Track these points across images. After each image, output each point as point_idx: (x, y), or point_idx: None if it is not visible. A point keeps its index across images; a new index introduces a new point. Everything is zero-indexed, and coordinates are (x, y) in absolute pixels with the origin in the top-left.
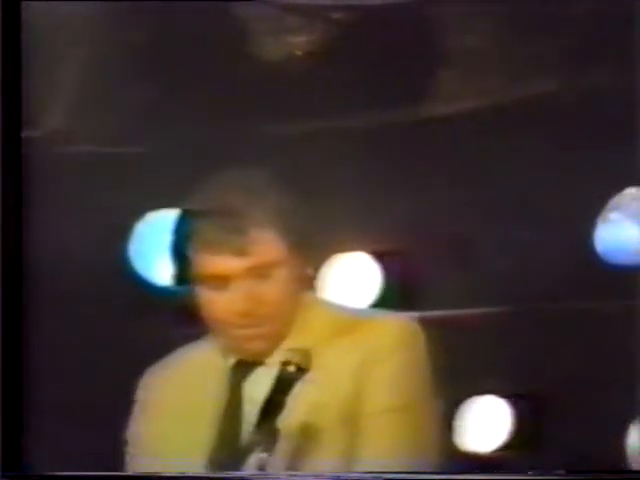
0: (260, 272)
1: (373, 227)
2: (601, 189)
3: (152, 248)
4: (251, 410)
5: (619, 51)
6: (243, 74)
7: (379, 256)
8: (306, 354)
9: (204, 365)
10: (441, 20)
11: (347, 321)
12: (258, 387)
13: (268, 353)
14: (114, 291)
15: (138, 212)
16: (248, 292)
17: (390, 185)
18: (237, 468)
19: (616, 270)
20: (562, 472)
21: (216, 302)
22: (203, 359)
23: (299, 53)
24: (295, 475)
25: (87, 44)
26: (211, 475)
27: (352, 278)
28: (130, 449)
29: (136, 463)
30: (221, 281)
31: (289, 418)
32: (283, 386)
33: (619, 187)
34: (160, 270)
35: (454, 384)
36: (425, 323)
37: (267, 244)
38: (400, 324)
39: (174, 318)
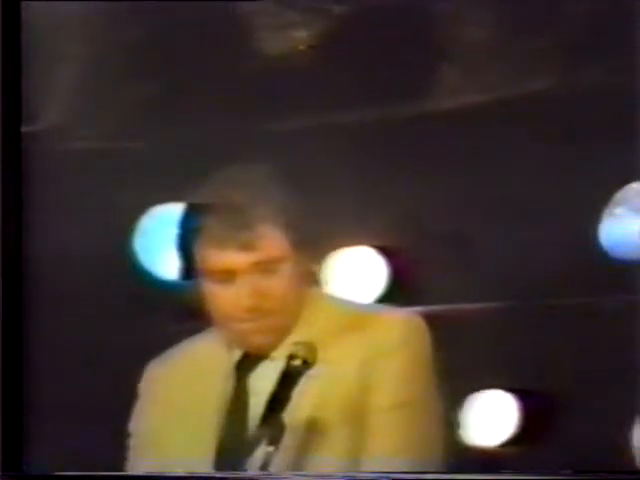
0: (266, 267)
1: (378, 222)
2: (604, 184)
3: (157, 243)
4: (256, 403)
5: (621, 47)
6: (245, 69)
7: (384, 251)
8: (312, 348)
9: (209, 358)
10: (443, 14)
11: (352, 316)
12: (263, 381)
13: (273, 347)
14: (115, 289)
15: (142, 207)
16: (254, 287)
17: (394, 180)
18: (243, 462)
19: (621, 265)
20: (568, 472)
21: (222, 296)
22: (208, 352)
23: (301, 48)
24: (301, 475)
25: (88, 40)
26: (212, 475)
27: (357, 273)
28: (133, 442)
29: (139, 456)
30: (227, 276)
31: (295, 412)
32: (289, 380)
33: (622, 182)
34: (166, 264)
35: (460, 379)
36: (430, 318)
37: (272, 239)
38: (405, 319)
39: (177, 314)
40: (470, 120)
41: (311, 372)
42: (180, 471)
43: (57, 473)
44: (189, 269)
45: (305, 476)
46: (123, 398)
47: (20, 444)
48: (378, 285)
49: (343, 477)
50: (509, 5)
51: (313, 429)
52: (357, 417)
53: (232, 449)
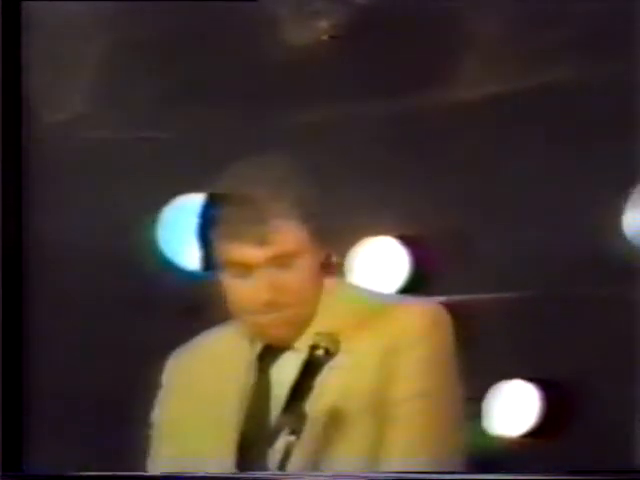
0: (282, 261)
1: (400, 212)
2: (626, 173)
3: (179, 233)
4: (278, 394)
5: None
6: (266, 60)
7: (406, 241)
8: (334, 338)
9: (230, 349)
10: (462, 6)
11: (374, 306)
12: (285, 371)
13: (292, 339)
14: (120, 286)
15: (163, 198)
16: (270, 281)
17: (415, 170)
18: (264, 452)
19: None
20: (571, 471)
21: (239, 290)
22: (229, 343)
23: (323, 38)
24: (318, 475)
25: (106, 31)
26: (212, 475)
27: (379, 263)
28: (155, 432)
29: (162, 445)
30: (244, 269)
31: (316, 402)
32: (311, 370)
33: (635, 177)
34: (188, 256)
35: (482, 369)
36: (452, 308)
37: (288, 233)
38: (427, 309)
39: (183, 312)
40: (492, 112)
41: (333, 362)
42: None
43: (57, 473)
44: (209, 261)
45: (321, 476)
46: (124, 399)
47: (20, 444)
48: (400, 275)
49: (360, 477)
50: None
51: (334, 419)
52: (379, 407)
53: (254, 439)
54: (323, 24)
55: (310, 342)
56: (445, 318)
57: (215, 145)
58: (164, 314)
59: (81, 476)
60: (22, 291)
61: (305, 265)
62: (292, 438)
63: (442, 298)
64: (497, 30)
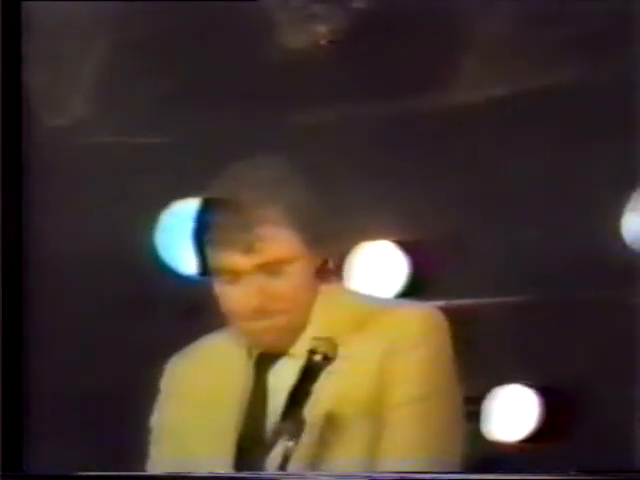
0: (271, 268)
1: (397, 216)
2: (626, 176)
3: (177, 238)
4: (276, 399)
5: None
6: (265, 63)
7: (404, 245)
8: (332, 343)
9: (228, 354)
10: (461, 8)
11: (370, 310)
12: (282, 377)
13: (285, 346)
14: (119, 287)
15: (160, 203)
16: (259, 288)
17: (414, 174)
18: (262, 457)
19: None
20: (574, 472)
21: (230, 296)
22: (227, 348)
23: (321, 42)
24: (320, 475)
25: (106, 34)
26: (212, 475)
27: (377, 267)
28: (154, 436)
29: (159, 451)
30: (233, 276)
31: (314, 408)
32: (309, 375)
33: (636, 178)
34: (185, 261)
35: (480, 373)
36: (451, 313)
37: (278, 240)
38: (424, 313)
39: (183, 314)
40: (491, 113)
41: (330, 367)
42: (192, 470)
43: (57, 473)
44: (205, 266)
45: (323, 476)
46: (124, 399)
47: (20, 444)
48: (398, 280)
49: (361, 477)
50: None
51: (332, 424)
52: (376, 411)
53: (252, 444)
54: (321, 28)
55: (308, 347)
56: (442, 322)
57: (214, 148)
58: (164, 315)
59: (81, 476)
60: (22, 291)
61: (297, 271)
62: (291, 444)
63: (440, 302)
64: (496, 31)
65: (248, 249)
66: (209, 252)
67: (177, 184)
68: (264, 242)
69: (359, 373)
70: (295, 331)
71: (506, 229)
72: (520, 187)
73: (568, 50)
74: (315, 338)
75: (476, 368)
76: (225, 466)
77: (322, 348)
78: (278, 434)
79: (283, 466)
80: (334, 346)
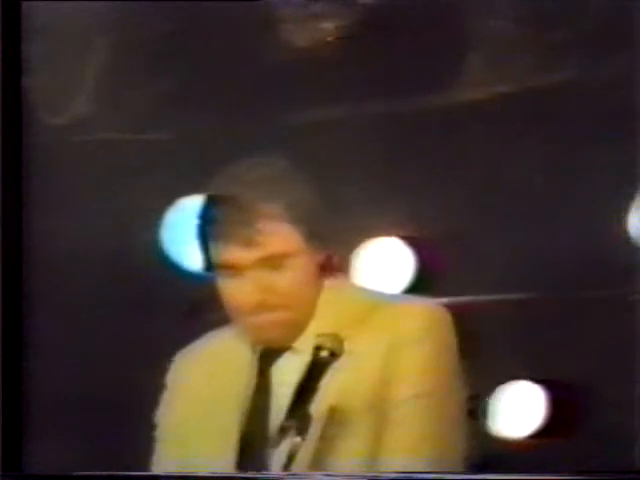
0: (272, 263)
1: (405, 213)
2: (630, 175)
3: (183, 235)
4: (280, 395)
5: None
6: (270, 60)
7: (411, 242)
8: (338, 339)
9: (232, 350)
10: (467, 6)
11: (375, 306)
12: (287, 373)
13: (288, 341)
14: (120, 286)
15: (166, 199)
16: (260, 282)
17: (421, 170)
18: (268, 453)
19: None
20: (574, 472)
21: (232, 290)
22: (231, 344)
23: (328, 39)
24: (324, 475)
25: (108, 32)
26: (213, 475)
27: (384, 264)
28: (159, 433)
29: (165, 447)
30: (234, 270)
31: (318, 403)
32: (316, 371)
33: (637, 178)
34: (191, 257)
35: (487, 370)
36: (457, 309)
37: (278, 236)
38: (428, 310)
39: (187, 313)
40: (495, 111)
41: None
42: (192, 470)
43: (57, 473)
44: (209, 262)
45: (325, 476)
46: (124, 398)
47: (20, 444)
48: (405, 276)
49: (364, 477)
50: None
51: (336, 419)
52: (380, 407)
53: (256, 440)
54: (327, 25)
55: (313, 343)
56: (446, 318)
57: (217, 146)
58: (166, 315)
59: (81, 476)
60: (22, 292)
61: (299, 266)
62: (297, 440)
63: (446, 299)
64: (500, 30)
65: (249, 243)
66: (211, 247)
67: (180, 183)
68: (265, 236)
69: (363, 369)
70: (298, 326)
71: (511, 226)
72: (524, 185)
73: (572, 49)
74: (321, 334)
75: (481, 365)
76: (229, 462)
77: (328, 344)
78: (284, 430)
79: (289, 462)
80: (340, 342)
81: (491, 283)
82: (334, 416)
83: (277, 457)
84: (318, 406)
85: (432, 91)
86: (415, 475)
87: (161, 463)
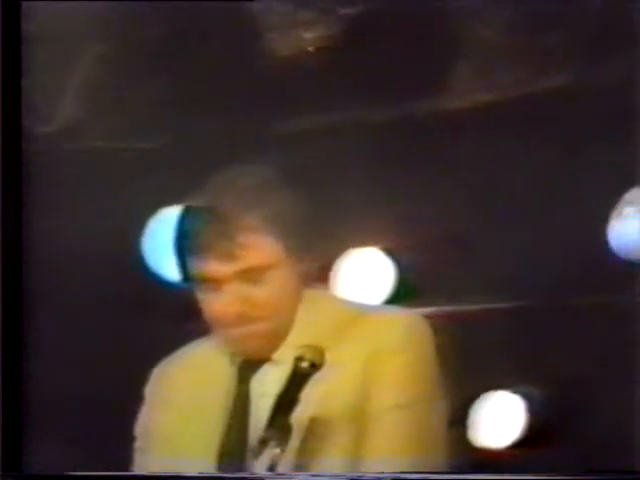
0: (251, 276)
1: (385, 223)
2: (613, 183)
3: (164, 245)
4: (260, 406)
5: (633, 45)
6: (254, 70)
7: (391, 252)
8: (319, 350)
9: (212, 361)
10: (455, 13)
11: (354, 316)
12: (267, 383)
13: (268, 352)
14: (118, 290)
15: (150, 208)
16: (239, 295)
17: (402, 180)
18: (248, 464)
19: (629, 264)
20: (570, 473)
21: (211, 303)
22: (211, 355)
23: (310, 49)
24: (307, 475)
25: (97, 41)
26: (210, 475)
27: (364, 274)
28: (139, 444)
29: (145, 458)
30: (213, 283)
31: (299, 414)
32: (296, 382)
33: (632, 182)
34: (172, 267)
35: (467, 380)
36: (438, 319)
37: (257, 249)
38: (406, 319)
39: (178, 316)
40: (483, 119)
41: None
42: (184, 471)
43: (57, 473)
44: (186, 274)
45: (311, 476)
46: (124, 398)
47: (20, 444)
48: (385, 286)
49: (348, 477)
50: (522, 3)
51: (316, 430)
52: (360, 418)
53: (236, 451)
54: (309, 35)
55: (294, 354)
56: (425, 328)
57: (201, 154)
58: (163, 316)
59: (80, 476)
60: (22, 293)
61: (278, 278)
62: (277, 451)
63: (428, 309)
64: (491, 35)
65: (228, 257)
66: (190, 260)
67: (166, 189)
68: (244, 249)
69: (343, 379)
70: (277, 337)
71: (499, 235)
72: (515, 192)
73: (567, 52)
74: (302, 345)
75: (463, 375)
76: (209, 472)
77: (309, 355)
78: (265, 441)
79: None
80: (321, 354)
81: (473, 293)
82: (315, 427)
83: (258, 468)
84: (298, 417)
85: (417, 100)
86: (400, 475)
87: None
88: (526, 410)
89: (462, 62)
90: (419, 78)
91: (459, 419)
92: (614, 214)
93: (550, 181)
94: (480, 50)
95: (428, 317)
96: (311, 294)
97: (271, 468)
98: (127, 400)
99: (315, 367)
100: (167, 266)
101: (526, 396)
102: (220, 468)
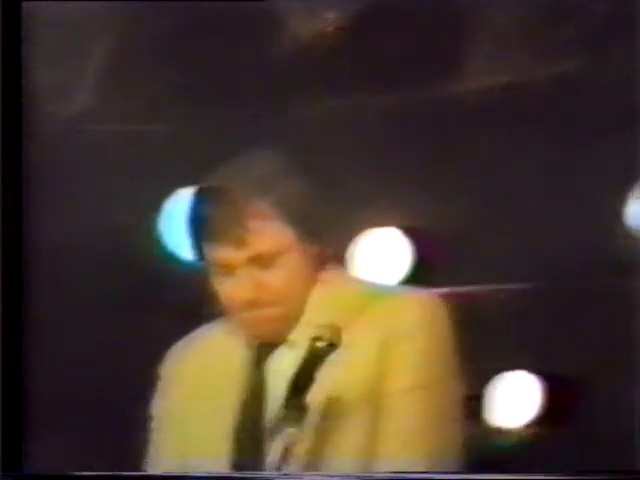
0: (262, 261)
1: (403, 203)
2: (631, 165)
3: (180, 225)
4: (276, 386)
5: None
6: (270, 53)
7: (409, 232)
8: (336, 330)
9: (226, 342)
10: None
11: (370, 297)
12: (282, 364)
13: (281, 335)
14: (118, 286)
15: (166, 190)
16: (251, 280)
17: (419, 162)
18: (264, 445)
19: None
20: (572, 471)
21: (224, 288)
22: (226, 336)
23: (329, 29)
24: (320, 475)
25: (111, 25)
26: (212, 475)
27: (382, 254)
28: (155, 425)
29: (161, 438)
30: (226, 269)
31: (314, 394)
32: (313, 362)
33: None
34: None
35: (483, 360)
36: (455, 300)
37: (268, 234)
38: (423, 301)
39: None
40: (496, 102)
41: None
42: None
43: (57, 473)
44: (201, 255)
45: (322, 476)
46: (124, 398)
47: (20, 444)
48: (403, 267)
49: (360, 477)
50: None
51: (333, 411)
52: (376, 399)
53: (252, 432)
54: (330, 15)
55: (310, 334)
56: (442, 309)
57: (217, 137)
58: (165, 313)
59: (81, 476)
60: (22, 292)
61: (290, 263)
62: (293, 431)
63: (444, 289)
64: (504, 20)
65: (239, 243)
66: (204, 245)
67: (179, 175)
68: (255, 235)
69: (359, 360)
70: (291, 321)
71: (510, 216)
72: (524, 175)
73: (574, 41)
74: (319, 325)
75: (479, 355)
76: (226, 453)
77: (327, 335)
78: (281, 421)
79: (285, 453)
80: (338, 333)
81: (489, 274)
82: (330, 407)
83: (274, 448)
84: (314, 397)
85: (431, 82)
86: (410, 475)
87: (158, 455)
88: (542, 390)
89: (476, 46)
90: (436, 61)
91: (474, 399)
92: (632, 196)
93: (558, 166)
94: (493, 35)
95: (444, 297)
96: (327, 275)
97: (287, 449)
98: (128, 400)
99: (332, 346)
100: (184, 246)
101: (542, 376)
102: (237, 448)
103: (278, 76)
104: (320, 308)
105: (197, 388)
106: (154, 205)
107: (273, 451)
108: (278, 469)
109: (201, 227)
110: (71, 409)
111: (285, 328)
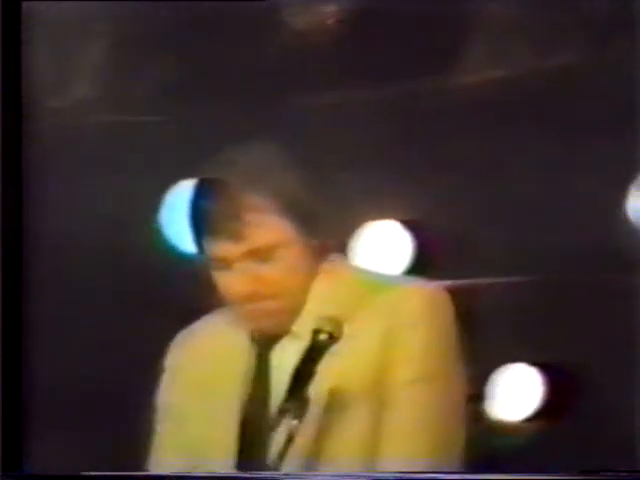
0: (261, 255)
1: (403, 196)
2: (632, 160)
3: (180, 216)
4: (278, 378)
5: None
6: (270, 44)
7: (410, 225)
8: (338, 322)
9: (230, 333)
10: None
11: (373, 288)
12: (285, 356)
13: (282, 328)
14: (118, 283)
15: (166, 182)
16: (249, 274)
17: (420, 154)
18: (266, 436)
19: None
20: (574, 472)
21: (223, 281)
22: (228, 327)
23: (328, 22)
24: (323, 475)
25: (107, 18)
26: (212, 475)
27: (383, 247)
28: (159, 415)
29: (165, 429)
30: (223, 263)
31: (317, 386)
32: (314, 354)
33: None
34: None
35: (485, 353)
36: (456, 292)
37: (266, 227)
38: (427, 292)
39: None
40: (496, 95)
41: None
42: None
43: (57, 473)
44: (201, 247)
45: (324, 476)
46: (124, 398)
47: (20, 444)
48: (404, 259)
49: (362, 477)
50: None
51: (335, 403)
52: (379, 391)
53: (255, 423)
54: (329, 8)
55: (313, 326)
56: (445, 300)
57: (214, 129)
58: (167, 308)
59: (81, 476)
60: (22, 292)
61: (289, 256)
62: (295, 422)
63: (446, 282)
64: (504, 15)
65: (237, 236)
66: (202, 238)
67: (179, 164)
68: (253, 228)
69: (362, 352)
70: (292, 313)
71: (510, 210)
72: (524, 168)
73: (575, 36)
74: (321, 317)
75: (480, 347)
76: (229, 444)
77: (328, 327)
78: (283, 413)
79: (287, 445)
80: (340, 325)
81: (489, 266)
82: (333, 399)
83: (276, 440)
84: (316, 389)
85: (430, 75)
86: (413, 475)
87: (162, 446)
88: (543, 383)
89: (475, 38)
90: (435, 53)
91: (477, 392)
92: (632, 190)
93: (558, 158)
94: (492, 30)
95: (447, 289)
96: (328, 266)
97: (288, 440)
98: (128, 400)
99: (333, 339)
100: (184, 238)
101: (543, 369)
102: (240, 440)
103: (277, 68)
104: (322, 299)
105: (201, 378)
106: (154, 198)
107: (275, 443)
108: (280, 461)
109: (200, 221)
110: (71, 409)
111: (286, 320)
